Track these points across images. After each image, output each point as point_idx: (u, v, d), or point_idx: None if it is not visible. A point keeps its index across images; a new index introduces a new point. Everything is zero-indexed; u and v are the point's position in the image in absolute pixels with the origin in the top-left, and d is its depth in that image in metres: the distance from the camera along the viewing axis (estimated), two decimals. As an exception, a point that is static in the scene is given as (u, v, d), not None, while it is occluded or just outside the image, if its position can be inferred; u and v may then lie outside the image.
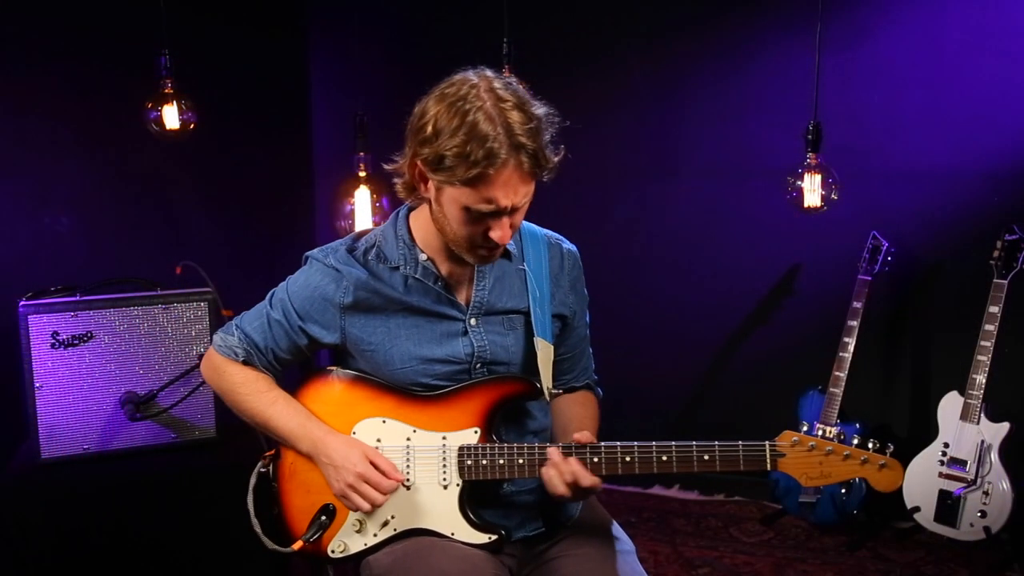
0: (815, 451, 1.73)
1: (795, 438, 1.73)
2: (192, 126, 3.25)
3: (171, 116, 3.20)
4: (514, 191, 1.66)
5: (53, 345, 2.54)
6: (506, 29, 3.37)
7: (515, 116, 1.63)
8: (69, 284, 2.65)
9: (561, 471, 1.74)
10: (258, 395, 1.89)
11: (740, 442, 1.74)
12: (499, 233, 1.70)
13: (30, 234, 3.35)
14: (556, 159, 1.70)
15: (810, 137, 3.14)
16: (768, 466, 1.73)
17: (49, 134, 3.37)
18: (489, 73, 1.70)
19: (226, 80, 3.80)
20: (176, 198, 3.80)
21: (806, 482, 1.74)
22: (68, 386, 2.57)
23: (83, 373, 2.58)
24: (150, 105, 3.20)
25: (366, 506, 1.79)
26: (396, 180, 1.80)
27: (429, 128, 1.65)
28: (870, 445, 1.73)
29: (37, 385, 2.53)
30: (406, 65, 4.14)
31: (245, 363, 1.90)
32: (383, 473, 1.79)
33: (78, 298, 2.58)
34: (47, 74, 3.32)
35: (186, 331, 2.67)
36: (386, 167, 1.81)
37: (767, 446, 1.73)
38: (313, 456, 1.85)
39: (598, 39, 3.93)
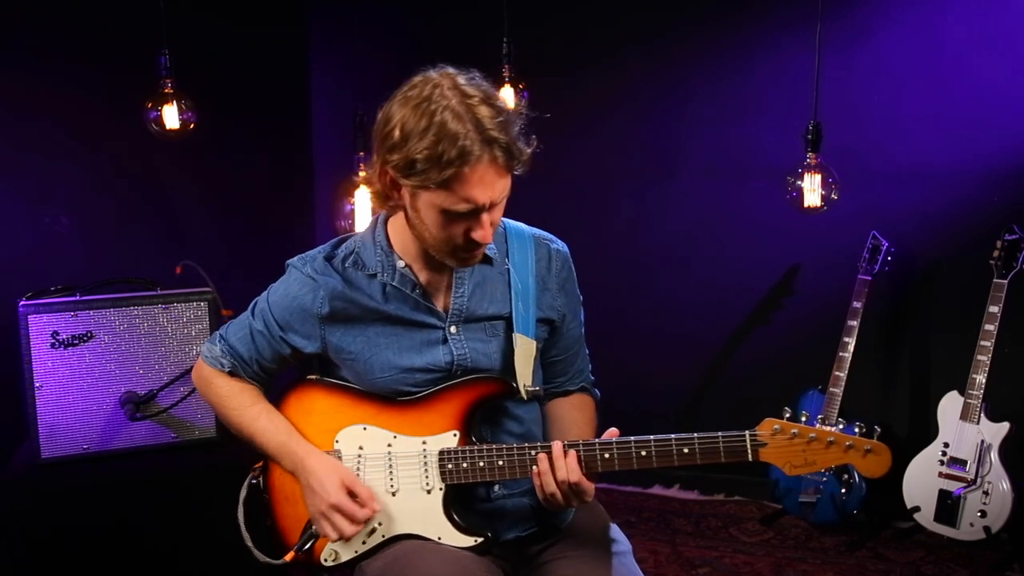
0: (797, 438, 1.66)
1: (776, 426, 1.67)
2: (192, 126, 3.25)
3: (171, 116, 3.20)
4: (491, 187, 1.62)
5: (53, 345, 2.54)
6: (506, 29, 3.36)
7: (483, 111, 1.59)
8: (69, 284, 2.64)
9: (556, 466, 1.70)
10: (243, 409, 1.88)
11: (720, 433, 1.68)
12: (480, 232, 1.67)
13: (30, 234, 3.35)
14: (529, 151, 1.65)
15: (810, 137, 3.14)
16: (749, 457, 1.67)
17: (49, 134, 3.36)
18: (451, 70, 1.65)
19: (226, 80, 3.79)
20: (176, 198, 3.80)
21: (790, 471, 1.67)
22: (68, 386, 2.57)
23: (83, 373, 2.58)
24: (150, 105, 3.20)
25: (334, 535, 1.77)
26: (369, 191, 1.77)
27: (396, 133, 1.61)
28: (856, 430, 1.66)
29: (37, 385, 2.53)
30: (406, 65, 4.10)
31: (231, 374, 1.89)
32: (361, 501, 1.78)
33: (78, 298, 2.58)
34: (47, 74, 3.32)
35: (186, 331, 2.67)
36: (355, 178, 1.78)
37: (747, 436, 1.67)
38: (295, 475, 1.84)
39: (598, 39, 3.93)
